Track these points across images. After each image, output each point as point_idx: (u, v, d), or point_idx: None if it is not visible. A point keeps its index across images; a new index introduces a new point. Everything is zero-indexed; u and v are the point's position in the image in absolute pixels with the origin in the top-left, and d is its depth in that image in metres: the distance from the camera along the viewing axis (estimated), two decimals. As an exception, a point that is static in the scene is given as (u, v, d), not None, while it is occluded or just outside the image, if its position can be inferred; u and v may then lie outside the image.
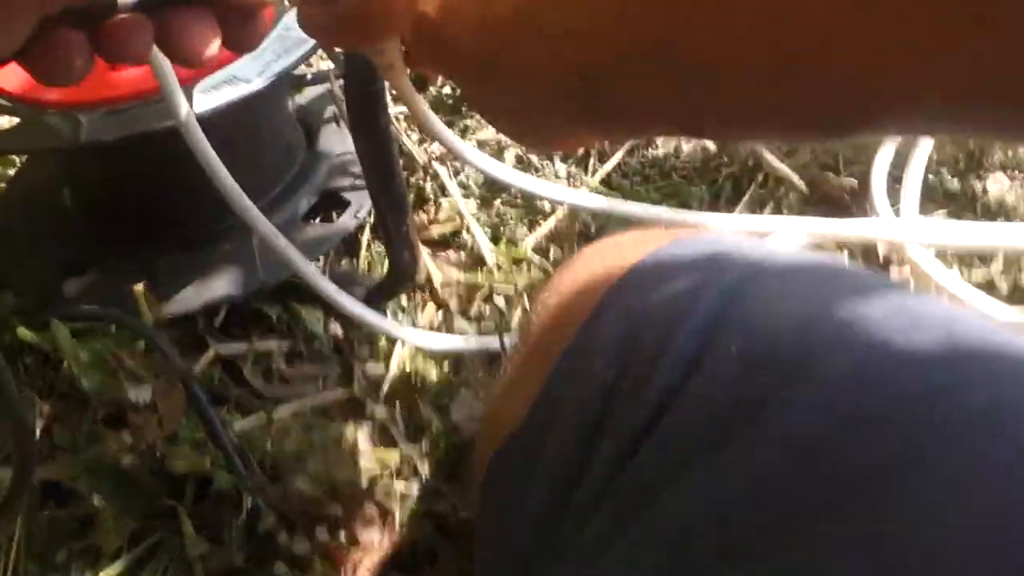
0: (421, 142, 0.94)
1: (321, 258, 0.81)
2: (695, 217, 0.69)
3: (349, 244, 0.85)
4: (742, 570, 0.31)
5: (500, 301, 0.81)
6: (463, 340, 0.75)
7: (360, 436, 0.71)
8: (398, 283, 0.76)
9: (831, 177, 0.89)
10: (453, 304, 0.81)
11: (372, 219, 0.83)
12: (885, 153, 0.87)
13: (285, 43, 0.70)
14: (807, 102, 0.24)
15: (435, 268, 0.83)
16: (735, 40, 0.24)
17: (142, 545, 0.65)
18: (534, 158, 0.94)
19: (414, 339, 0.73)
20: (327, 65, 0.95)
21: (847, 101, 0.23)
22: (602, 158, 0.94)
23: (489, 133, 0.96)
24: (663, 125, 0.31)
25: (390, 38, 0.40)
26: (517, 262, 0.84)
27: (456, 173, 0.91)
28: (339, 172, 0.85)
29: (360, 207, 0.82)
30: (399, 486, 0.67)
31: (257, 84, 0.67)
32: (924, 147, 0.86)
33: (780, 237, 0.72)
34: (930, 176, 0.87)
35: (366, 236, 0.85)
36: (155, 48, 0.57)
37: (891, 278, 0.80)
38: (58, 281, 0.79)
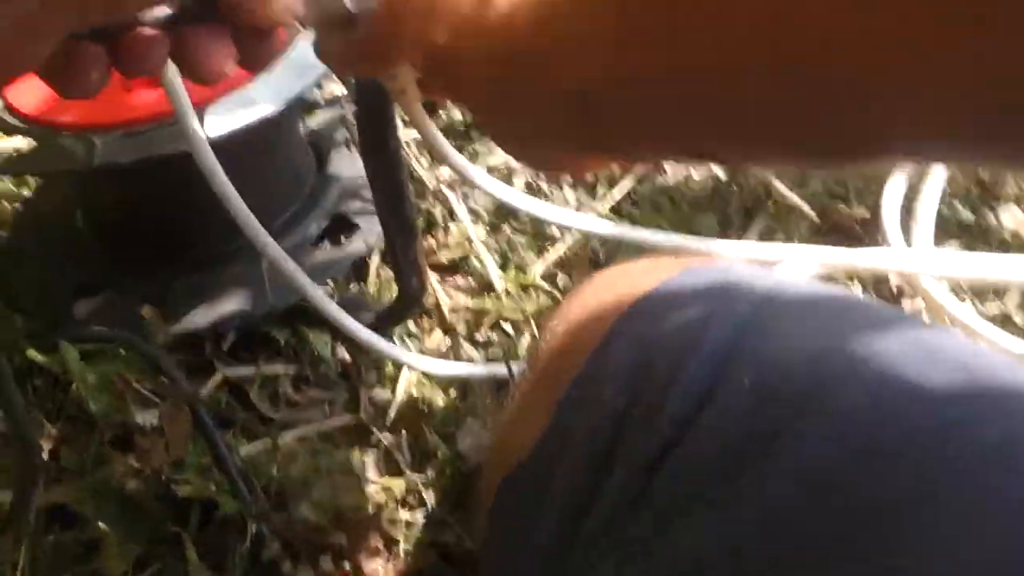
0: (431, 167, 0.94)
1: (330, 282, 0.81)
2: (705, 245, 0.68)
3: (358, 268, 0.84)
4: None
5: (508, 327, 0.81)
6: (470, 366, 0.75)
7: (366, 463, 0.70)
8: (406, 308, 0.75)
9: (842, 207, 0.88)
10: (461, 330, 0.80)
11: (381, 244, 0.83)
12: (896, 183, 0.87)
13: (298, 67, 0.70)
14: (807, 107, 0.24)
15: (443, 293, 0.83)
16: (735, 43, 0.24)
17: (146, 572, 0.65)
18: (543, 185, 0.94)
19: (421, 365, 0.72)
20: (339, 89, 0.96)
21: (847, 101, 0.23)
22: (611, 185, 0.94)
23: (499, 159, 0.96)
24: (666, 147, 0.32)
25: (402, 65, 0.41)
26: (525, 288, 0.84)
27: (465, 199, 0.91)
28: (349, 196, 0.85)
29: (370, 231, 0.82)
30: (404, 514, 0.67)
31: (270, 108, 0.67)
32: (936, 178, 0.86)
33: (791, 266, 0.71)
34: (943, 208, 0.86)
35: (375, 260, 0.85)
36: (169, 72, 0.57)
37: (904, 310, 0.79)
38: (69, 302, 0.79)
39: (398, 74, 0.46)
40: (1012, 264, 0.77)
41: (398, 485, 0.68)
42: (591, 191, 0.94)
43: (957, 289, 0.79)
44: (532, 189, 0.94)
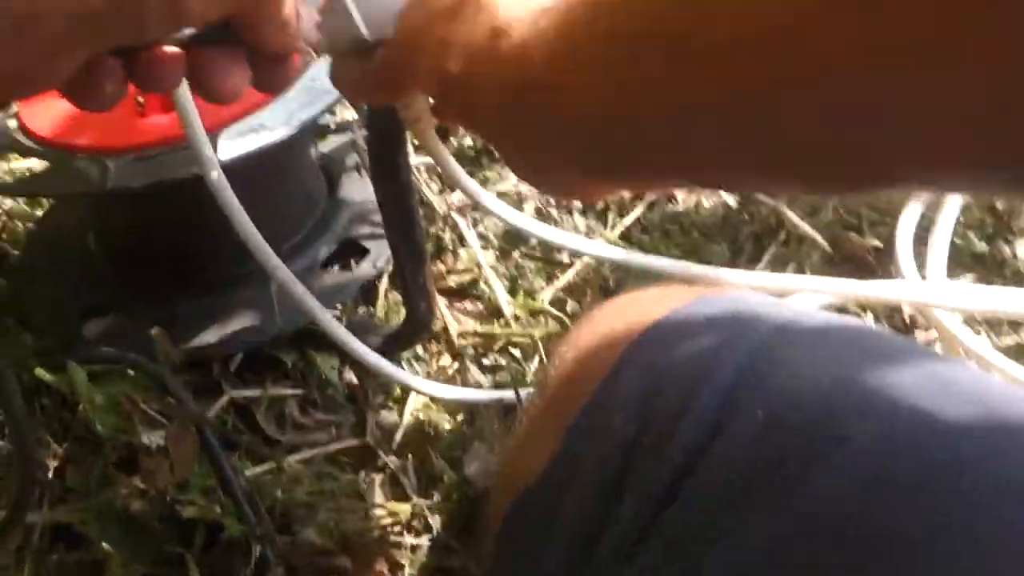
0: (441, 192, 0.94)
1: (338, 305, 0.81)
2: (715, 273, 0.68)
3: (367, 292, 0.85)
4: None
5: (516, 353, 0.80)
6: (478, 391, 0.74)
7: (372, 487, 0.70)
8: (414, 332, 0.75)
9: (854, 236, 0.88)
10: (469, 354, 0.80)
11: (390, 268, 0.84)
12: (910, 214, 0.87)
13: (310, 93, 0.70)
14: (811, 137, 0.25)
15: (451, 318, 0.83)
16: (739, 77, 0.25)
17: (150, 592, 0.64)
18: (554, 211, 0.94)
19: (428, 389, 0.72)
20: (350, 114, 0.97)
21: (850, 130, 0.24)
22: (622, 212, 0.94)
23: (509, 185, 0.97)
24: (675, 175, 0.34)
25: (417, 93, 0.42)
26: (534, 314, 0.84)
27: (475, 224, 0.91)
28: (359, 220, 0.86)
29: (379, 256, 0.82)
30: (410, 539, 0.66)
31: (282, 133, 0.68)
32: (951, 209, 0.86)
33: (803, 297, 0.71)
34: (956, 239, 0.86)
35: (384, 284, 0.85)
36: (183, 96, 0.58)
37: (917, 342, 0.79)
38: (79, 323, 0.79)
39: (413, 103, 0.46)
40: (1027, 297, 0.76)
41: (404, 509, 0.68)
42: (601, 217, 0.94)
43: (971, 320, 0.78)
44: (542, 215, 0.94)
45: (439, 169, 0.96)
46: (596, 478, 0.37)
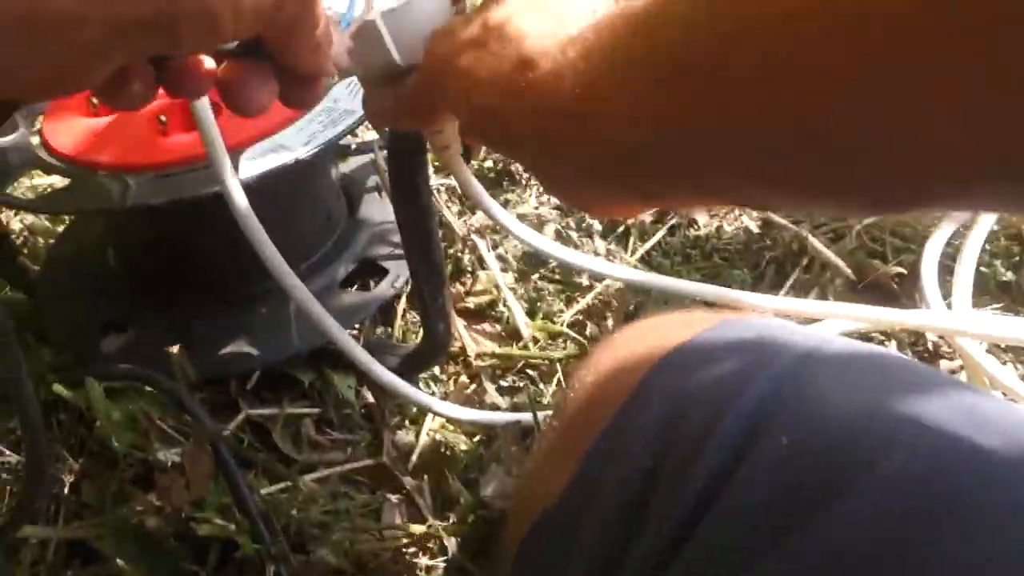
0: (461, 214, 0.94)
1: (356, 325, 0.81)
2: (738, 296, 0.67)
3: (385, 312, 0.84)
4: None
5: (534, 375, 0.80)
6: (495, 413, 0.74)
7: (387, 507, 0.70)
8: (432, 353, 0.75)
9: (878, 264, 0.87)
10: (486, 376, 0.80)
11: (409, 288, 0.83)
12: (936, 241, 0.86)
13: (332, 114, 0.71)
14: (847, 159, 0.26)
15: (470, 339, 0.82)
16: (770, 103, 0.26)
17: (163, 610, 0.64)
18: (574, 234, 0.93)
19: (445, 410, 0.72)
20: (371, 136, 0.97)
21: (887, 152, 0.24)
22: (643, 236, 0.93)
23: (529, 207, 0.97)
24: (709, 196, 0.37)
25: (447, 120, 0.43)
26: (553, 337, 0.83)
27: (495, 246, 0.91)
28: (379, 241, 0.86)
29: (398, 276, 0.82)
30: (424, 560, 0.66)
31: (302, 153, 0.68)
32: (977, 236, 0.85)
33: (827, 324, 0.70)
34: (982, 267, 0.85)
35: (402, 305, 0.85)
36: (205, 115, 0.58)
37: (942, 370, 0.78)
38: (97, 338, 0.79)
39: (443, 129, 0.47)
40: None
41: (419, 530, 0.67)
42: (622, 241, 0.93)
43: (996, 349, 0.77)
44: (562, 238, 0.93)
45: (459, 191, 0.97)
46: (616, 502, 0.37)
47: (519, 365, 0.80)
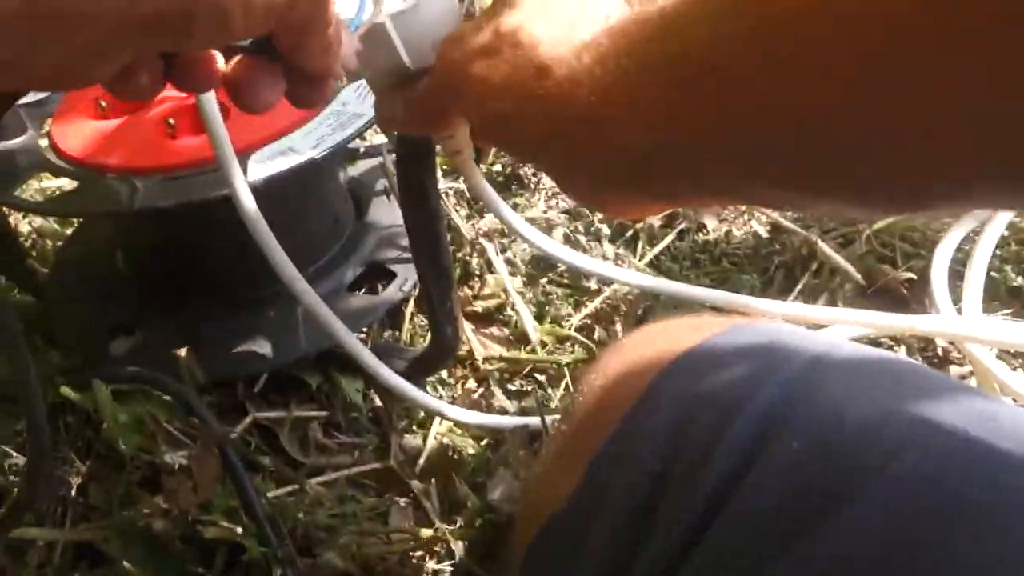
0: (469, 218, 0.94)
1: (364, 328, 0.81)
2: (747, 302, 0.67)
3: (393, 316, 0.84)
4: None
5: (542, 379, 0.80)
6: (503, 417, 0.74)
7: (394, 511, 0.70)
8: (440, 357, 0.75)
9: (888, 269, 0.87)
10: (494, 380, 0.80)
11: (417, 292, 0.83)
12: (946, 247, 0.85)
13: (340, 117, 0.71)
14: (863, 156, 0.26)
15: (477, 343, 0.82)
16: (787, 101, 0.26)
17: (170, 613, 0.64)
18: (582, 238, 0.93)
19: (453, 414, 0.72)
20: (380, 139, 0.97)
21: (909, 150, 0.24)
22: (651, 241, 0.93)
23: (537, 211, 0.97)
24: (723, 197, 0.39)
25: (459, 125, 0.43)
26: (561, 341, 0.83)
27: (503, 250, 0.91)
28: (387, 244, 0.86)
29: (406, 280, 0.82)
30: (432, 564, 0.66)
31: (310, 156, 0.68)
32: (987, 242, 0.84)
33: (836, 329, 0.70)
34: (993, 273, 0.84)
35: (410, 308, 0.85)
36: (213, 118, 0.58)
37: (952, 375, 0.77)
38: (105, 341, 0.80)
39: (455, 134, 0.47)
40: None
41: (426, 534, 0.67)
42: (630, 245, 0.93)
43: (1006, 355, 0.77)
44: (571, 242, 0.93)
45: (468, 194, 0.97)
46: (625, 506, 0.37)
47: (527, 369, 0.80)
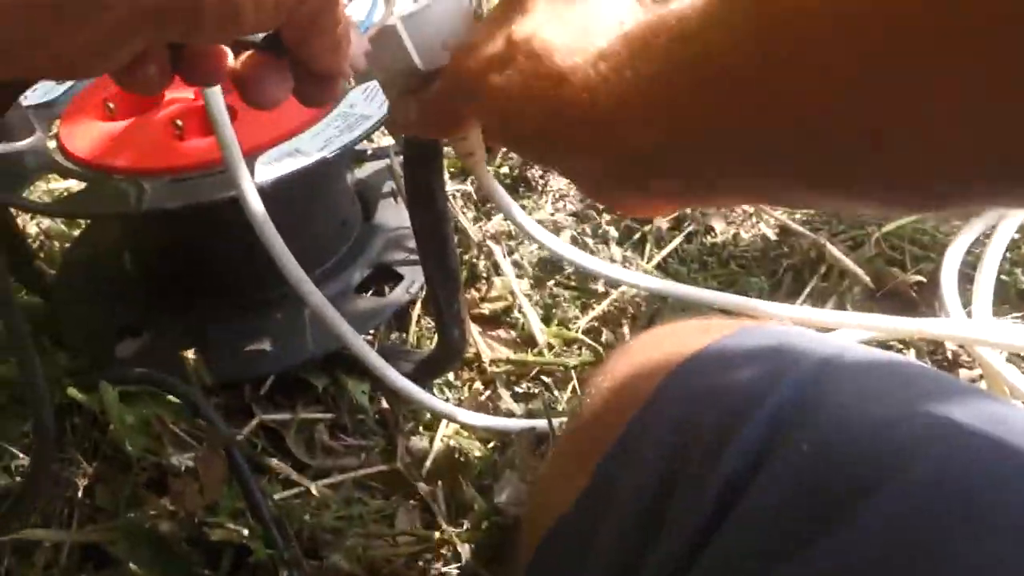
0: (476, 220, 0.94)
1: (371, 330, 0.81)
2: (754, 306, 0.67)
3: (399, 318, 0.84)
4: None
5: (549, 381, 0.80)
6: (510, 419, 0.74)
7: (400, 513, 0.69)
8: (446, 359, 0.75)
9: (897, 272, 0.86)
10: (501, 382, 0.79)
11: (423, 294, 0.83)
12: (955, 249, 0.85)
13: (348, 119, 0.71)
14: (874, 157, 0.25)
15: (484, 345, 0.82)
16: (802, 100, 0.26)
17: (176, 615, 0.64)
18: (590, 240, 0.93)
19: (460, 416, 0.72)
20: (387, 141, 0.97)
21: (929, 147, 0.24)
22: (659, 243, 0.93)
23: (544, 214, 0.96)
24: (733, 196, 0.40)
25: (473, 127, 0.44)
26: (568, 343, 0.83)
27: (510, 252, 0.91)
28: (394, 246, 0.86)
29: (413, 282, 0.82)
30: (438, 567, 0.66)
31: (317, 157, 0.68)
32: (997, 244, 0.84)
33: (845, 332, 0.70)
34: (1003, 276, 0.84)
35: (417, 311, 0.85)
36: (221, 119, 0.58)
37: (962, 378, 0.77)
38: (112, 342, 0.80)
39: (468, 136, 0.47)
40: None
41: (433, 536, 0.67)
42: (638, 247, 0.93)
43: (1016, 358, 0.76)
44: (578, 244, 0.93)
45: (475, 197, 0.97)
46: (633, 508, 0.37)
47: (534, 371, 0.80)
